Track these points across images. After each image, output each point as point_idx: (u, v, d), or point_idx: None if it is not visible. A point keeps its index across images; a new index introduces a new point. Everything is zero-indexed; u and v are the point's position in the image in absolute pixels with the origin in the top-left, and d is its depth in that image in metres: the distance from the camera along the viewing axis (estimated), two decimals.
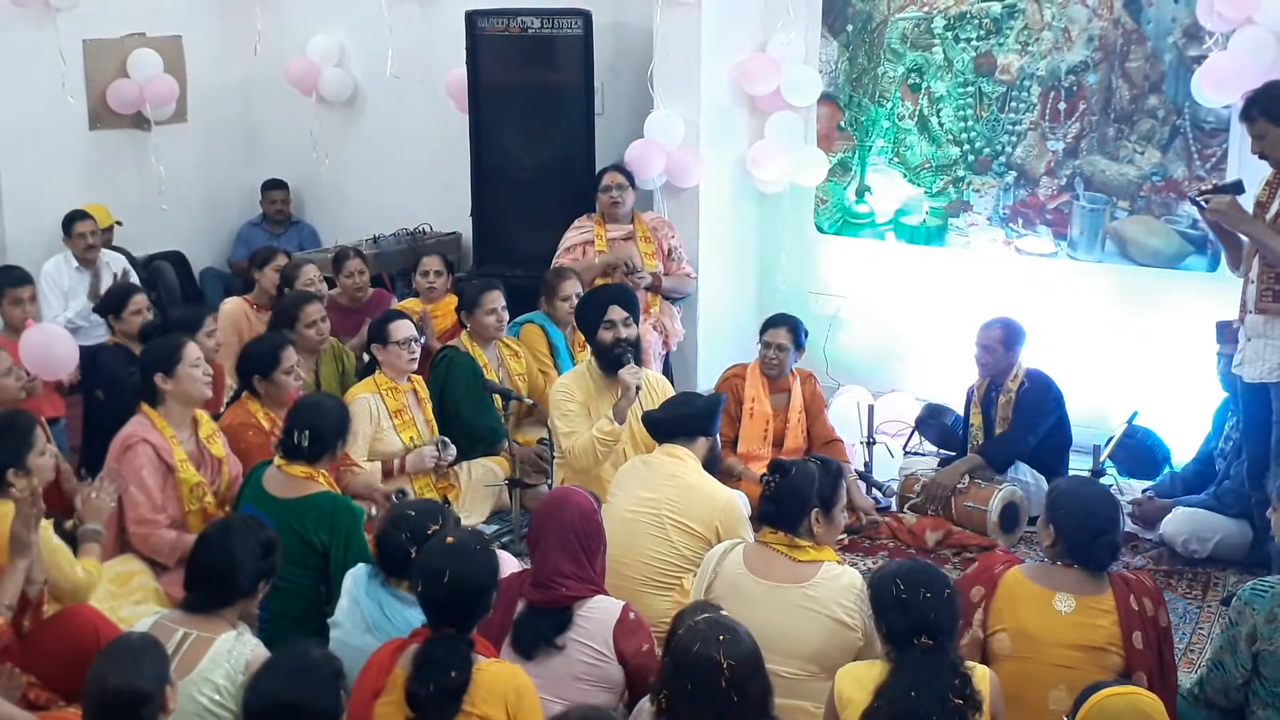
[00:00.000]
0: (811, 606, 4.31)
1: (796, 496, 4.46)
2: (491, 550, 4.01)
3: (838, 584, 4.34)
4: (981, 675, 3.73)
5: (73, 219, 8.21)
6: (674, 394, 6.01)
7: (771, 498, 4.48)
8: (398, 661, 3.82)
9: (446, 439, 6.54)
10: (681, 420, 5.32)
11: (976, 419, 6.90)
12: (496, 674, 3.78)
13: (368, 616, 4.34)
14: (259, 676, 3.56)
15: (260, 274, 7.66)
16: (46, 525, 4.60)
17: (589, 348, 6.38)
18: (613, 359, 6.16)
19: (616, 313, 6.21)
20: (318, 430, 5.09)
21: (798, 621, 4.30)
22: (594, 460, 6.03)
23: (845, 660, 4.25)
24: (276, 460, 5.15)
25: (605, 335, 6.19)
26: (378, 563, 4.43)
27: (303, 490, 5.03)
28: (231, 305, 7.62)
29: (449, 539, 3.95)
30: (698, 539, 4.96)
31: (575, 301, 7.14)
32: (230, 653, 3.89)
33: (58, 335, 6.82)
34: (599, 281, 7.65)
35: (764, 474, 4.62)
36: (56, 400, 6.77)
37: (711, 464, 5.38)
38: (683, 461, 5.18)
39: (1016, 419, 6.67)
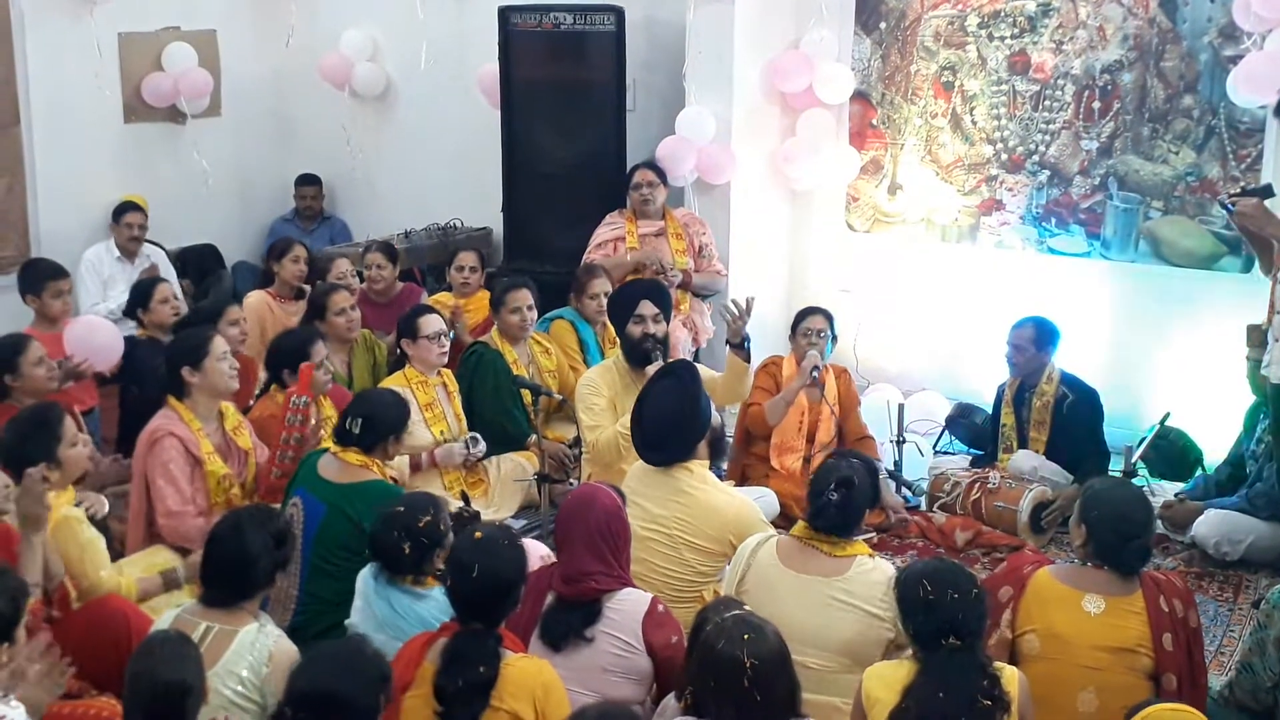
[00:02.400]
0: (845, 600, 4.32)
1: (859, 509, 4.50)
2: (520, 546, 4.01)
3: (871, 578, 4.35)
4: (1010, 676, 3.71)
5: (124, 209, 8.31)
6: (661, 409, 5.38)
7: (840, 508, 4.43)
8: (426, 655, 3.84)
9: (477, 434, 6.56)
10: (675, 455, 5.10)
11: (1009, 419, 6.87)
12: (524, 669, 3.79)
13: (379, 614, 4.36)
14: (308, 663, 3.57)
15: (279, 266, 7.71)
16: (81, 518, 4.65)
17: (619, 342, 6.38)
18: (640, 354, 6.16)
19: (647, 308, 6.21)
20: (371, 419, 5.15)
21: (830, 614, 4.31)
22: (617, 455, 6.03)
23: (875, 652, 4.28)
24: (332, 446, 5.20)
25: (634, 330, 6.20)
26: (376, 562, 4.45)
27: (357, 477, 5.10)
28: (254, 298, 7.67)
29: (477, 534, 3.96)
30: (711, 555, 4.96)
31: (604, 300, 7.16)
32: (253, 645, 3.90)
33: (100, 325, 6.85)
34: (631, 279, 7.66)
35: (831, 487, 4.48)
36: (91, 389, 6.80)
37: (716, 446, 5.34)
38: (691, 472, 5.09)
39: (1085, 436, 6.65)
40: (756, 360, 7.29)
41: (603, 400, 6.17)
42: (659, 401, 5.22)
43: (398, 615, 4.34)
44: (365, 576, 4.49)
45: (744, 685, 3.41)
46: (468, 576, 3.83)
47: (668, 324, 6.36)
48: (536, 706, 3.74)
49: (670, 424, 5.12)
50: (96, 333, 6.76)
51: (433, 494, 4.76)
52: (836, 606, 4.31)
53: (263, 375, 6.51)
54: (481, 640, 3.81)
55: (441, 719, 3.73)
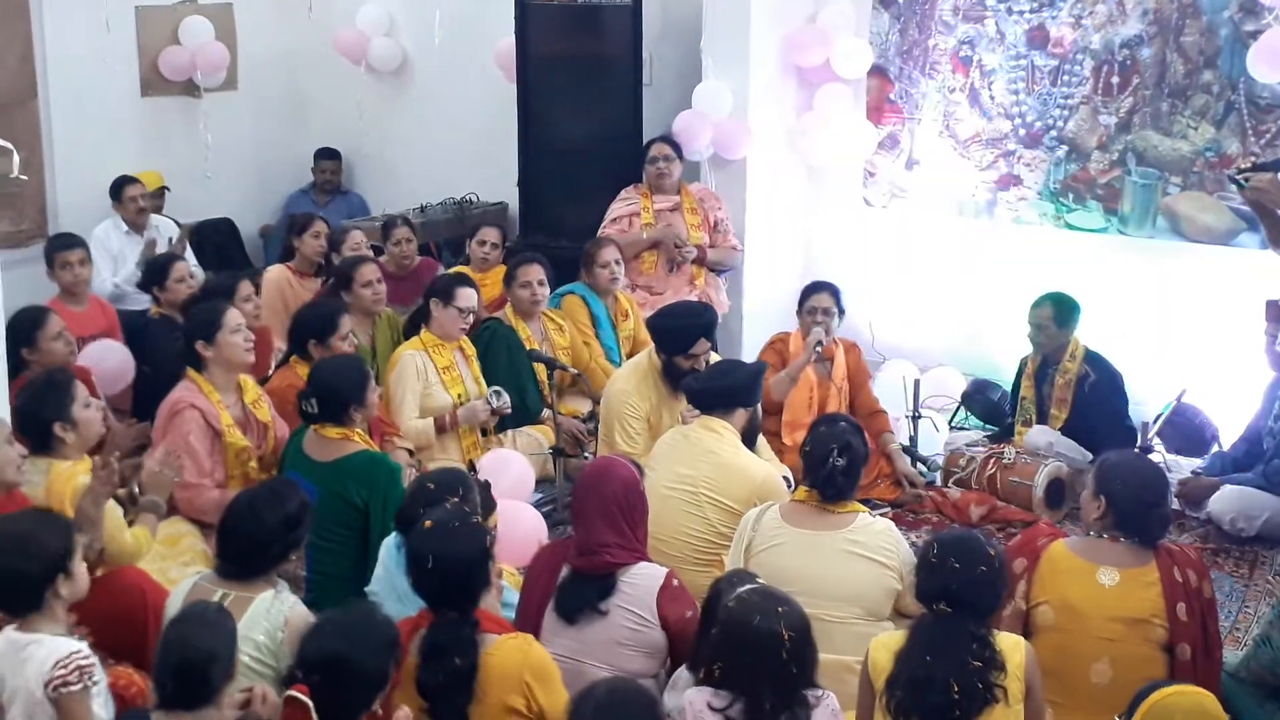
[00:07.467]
0: (854, 550, 4.41)
1: (859, 470, 4.60)
2: (475, 525, 3.93)
3: (875, 528, 4.48)
4: (1014, 644, 3.72)
5: (121, 184, 8.27)
6: (716, 362, 5.95)
7: (845, 473, 4.50)
8: (409, 649, 3.77)
9: (500, 389, 6.51)
10: (721, 391, 5.29)
11: (1029, 393, 6.86)
12: (507, 658, 3.71)
13: (399, 586, 4.34)
14: (318, 627, 3.59)
15: (300, 241, 7.72)
16: None
17: (656, 354, 6.17)
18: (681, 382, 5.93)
19: (702, 346, 6.00)
20: (324, 395, 5.12)
21: (842, 564, 4.39)
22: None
23: (887, 603, 4.37)
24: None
25: (684, 363, 5.96)
26: (401, 535, 4.44)
27: (341, 452, 5.10)
28: (274, 273, 7.68)
29: (427, 523, 3.88)
30: (735, 516, 4.94)
31: (615, 268, 7.16)
32: (269, 611, 3.92)
33: (112, 350, 6.79)
34: (647, 256, 7.68)
35: (832, 453, 4.51)
36: None
37: (751, 433, 5.36)
38: (720, 436, 5.15)
39: (1108, 416, 6.64)
40: (763, 339, 7.30)
41: (640, 422, 6.02)
42: (730, 361, 5.78)
43: None
44: (388, 546, 4.52)
45: (782, 658, 3.44)
46: (425, 568, 3.77)
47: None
48: (526, 694, 3.69)
49: (727, 372, 5.44)
50: (108, 357, 6.72)
51: (462, 472, 4.71)
52: (846, 555, 4.40)
53: (281, 346, 6.53)
54: (456, 630, 3.73)
55: (429, 715, 3.70)
